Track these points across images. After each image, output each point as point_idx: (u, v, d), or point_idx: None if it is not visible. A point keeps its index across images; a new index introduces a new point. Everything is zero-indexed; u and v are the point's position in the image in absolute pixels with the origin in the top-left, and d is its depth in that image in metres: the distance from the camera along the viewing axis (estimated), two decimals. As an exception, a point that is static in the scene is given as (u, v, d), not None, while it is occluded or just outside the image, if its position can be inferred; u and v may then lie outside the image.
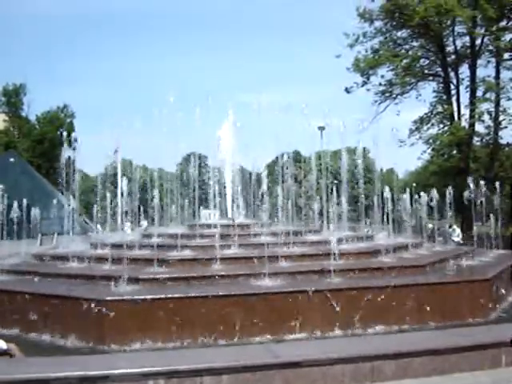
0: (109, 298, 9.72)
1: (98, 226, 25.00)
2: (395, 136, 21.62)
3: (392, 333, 9.86)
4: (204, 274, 11.62)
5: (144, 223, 23.73)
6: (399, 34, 42.15)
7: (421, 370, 7.12)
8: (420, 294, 10.82)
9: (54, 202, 28.86)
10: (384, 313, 10.39)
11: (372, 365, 7.01)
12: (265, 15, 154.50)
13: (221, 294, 10.02)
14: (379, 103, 42.18)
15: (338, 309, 10.17)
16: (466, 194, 21.33)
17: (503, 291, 12.92)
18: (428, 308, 10.65)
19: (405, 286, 10.97)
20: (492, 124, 39.28)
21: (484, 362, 7.43)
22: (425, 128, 41.41)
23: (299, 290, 10.37)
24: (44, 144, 66.54)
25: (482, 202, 20.84)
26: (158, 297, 9.85)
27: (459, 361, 7.34)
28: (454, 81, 40.82)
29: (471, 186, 21.02)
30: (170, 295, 9.88)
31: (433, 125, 41.57)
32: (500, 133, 39.67)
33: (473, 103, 38.29)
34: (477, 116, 38.28)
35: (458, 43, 40.42)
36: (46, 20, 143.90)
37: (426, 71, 42.91)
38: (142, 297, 9.83)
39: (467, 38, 39.64)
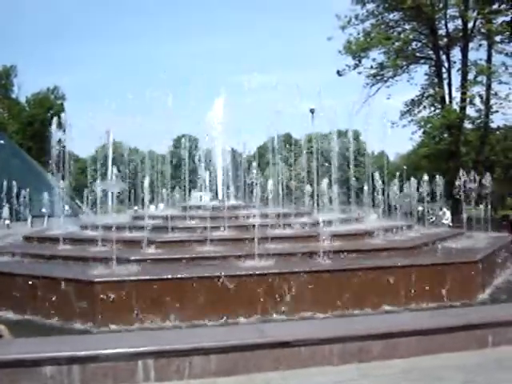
0: (98, 280, 9.73)
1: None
2: (386, 117, 21.61)
3: (380, 313, 9.94)
4: (193, 255, 11.67)
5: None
6: (391, 16, 42.02)
7: (408, 350, 7.17)
8: (408, 275, 10.84)
9: (45, 184, 28.68)
10: (372, 294, 10.44)
11: (360, 345, 7.06)
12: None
13: (211, 275, 10.03)
14: (371, 86, 42.16)
15: (325, 290, 10.23)
16: (457, 182, 21.10)
17: (491, 273, 13.02)
18: (416, 289, 10.71)
19: (393, 267, 11.00)
20: (483, 108, 39.34)
21: (471, 342, 7.50)
22: (416, 111, 41.49)
23: (288, 271, 10.41)
24: (34, 126, 66.25)
25: (471, 187, 20.92)
26: (146, 278, 9.87)
27: (447, 341, 7.39)
28: (446, 64, 40.77)
29: (461, 171, 20.99)
30: (159, 276, 9.90)
31: (424, 107, 41.65)
32: (491, 116, 39.77)
33: (464, 86, 38.24)
34: (468, 99, 38.29)
35: (450, 26, 40.33)
36: (37, 4, 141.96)
37: (418, 54, 42.79)
38: (132, 277, 9.85)
39: (459, 21, 39.49)
